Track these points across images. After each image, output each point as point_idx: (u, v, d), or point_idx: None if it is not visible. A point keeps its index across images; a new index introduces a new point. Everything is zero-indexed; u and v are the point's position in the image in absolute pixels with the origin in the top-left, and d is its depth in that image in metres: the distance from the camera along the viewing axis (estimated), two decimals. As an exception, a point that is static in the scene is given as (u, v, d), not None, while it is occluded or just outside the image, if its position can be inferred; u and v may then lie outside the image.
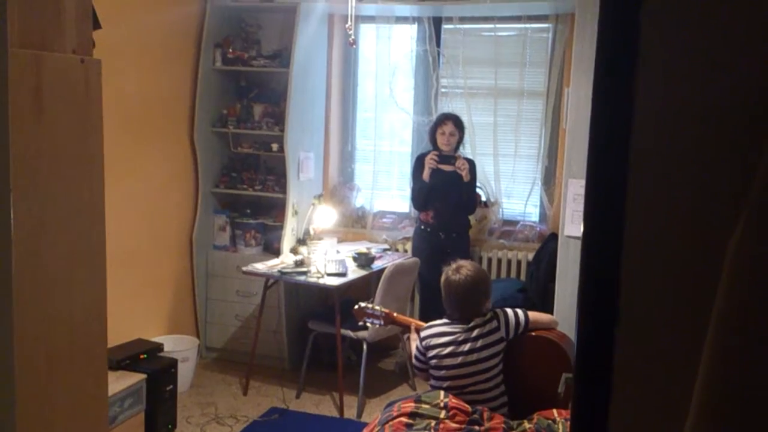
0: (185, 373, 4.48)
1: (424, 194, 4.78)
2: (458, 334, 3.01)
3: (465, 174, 4.70)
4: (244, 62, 5.14)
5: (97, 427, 1.99)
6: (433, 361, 3.02)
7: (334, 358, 4.65)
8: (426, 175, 4.74)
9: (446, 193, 4.73)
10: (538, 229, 5.11)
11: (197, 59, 5.02)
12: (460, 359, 2.97)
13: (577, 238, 4.29)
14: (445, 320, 3.11)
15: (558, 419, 2.79)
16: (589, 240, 0.88)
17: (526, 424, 2.81)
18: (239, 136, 5.24)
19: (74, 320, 1.84)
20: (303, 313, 4.95)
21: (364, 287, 4.99)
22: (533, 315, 3.14)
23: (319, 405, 4.52)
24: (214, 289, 5.20)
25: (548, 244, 4.86)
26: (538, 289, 4.69)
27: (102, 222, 1.92)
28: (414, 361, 3.17)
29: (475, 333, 3.00)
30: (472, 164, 4.82)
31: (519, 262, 5.03)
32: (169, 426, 4.10)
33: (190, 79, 5.02)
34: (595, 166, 0.87)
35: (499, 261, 5.06)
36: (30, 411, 1.54)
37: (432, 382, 3.07)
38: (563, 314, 4.11)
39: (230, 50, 5.13)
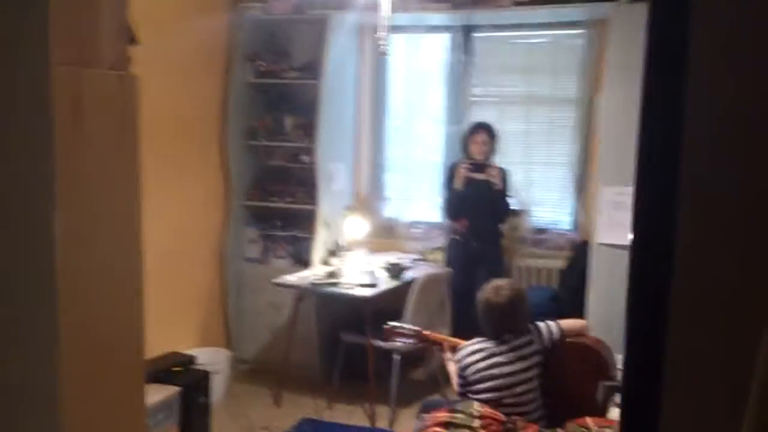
0: (218, 385, 4.50)
1: (456, 203, 4.77)
2: (493, 349, 2.99)
3: (498, 182, 4.68)
4: (276, 75, 5.18)
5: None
6: (471, 378, 3.00)
7: (365, 369, 4.64)
8: (459, 183, 4.73)
9: (479, 201, 4.72)
10: (569, 236, 5.06)
11: (228, 72, 5.06)
12: (496, 371, 2.95)
13: (609, 245, 4.26)
14: (478, 339, 3.09)
15: (592, 427, 2.75)
16: (638, 252, 0.86)
17: (559, 431, 2.78)
18: (270, 148, 5.28)
19: (114, 334, 1.86)
20: (335, 324, 4.95)
21: (395, 298, 4.97)
22: (565, 323, 3.11)
23: (351, 416, 4.51)
24: (245, 301, 5.22)
25: (580, 251, 4.81)
26: (569, 296, 4.64)
27: (139, 236, 1.94)
28: (456, 387, 3.15)
29: (509, 346, 2.98)
30: (505, 172, 4.80)
31: (550, 271, 4.98)
32: (204, 438, 4.11)
33: (221, 93, 5.07)
34: (645, 177, 0.86)
35: (531, 270, 5.02)
36: (73, 425, 1.55)
37: (470, 395, 3.05)
38: (596, 320, 4.07)
39: (262, 63, 5.17)
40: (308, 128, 5.10)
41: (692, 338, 0.85)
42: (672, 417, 0.84)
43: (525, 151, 5.15)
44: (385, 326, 3.56)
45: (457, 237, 4.83)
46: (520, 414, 2.90)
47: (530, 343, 3.00)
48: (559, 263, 4.95)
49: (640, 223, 0.87)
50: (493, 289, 3.05)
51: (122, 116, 1.84)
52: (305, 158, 5.12)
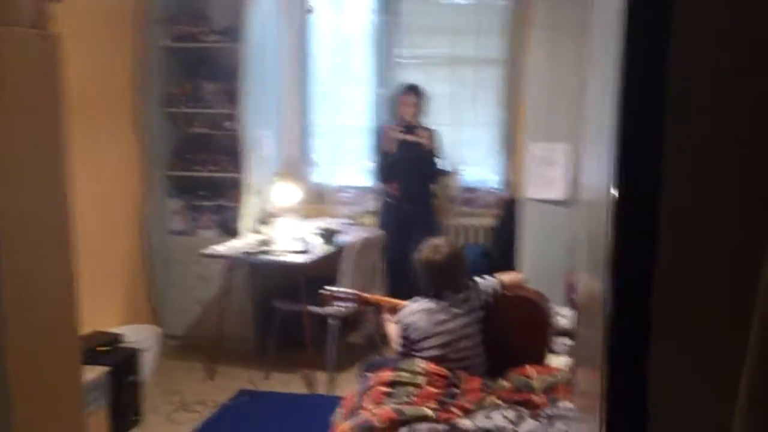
0: (147, 362, 4.35)
1: (387, 166, 4.74)
2: (434, 307, 2.98)
3: (428, 143, 4.68)
4: (194, 38, 4.98)
5: (75, 414, 1.91)
6: (414, 337, 2.99)
7: (301, 336, 4.59)
8: (389, 146, 4.70)
9: (410, 163, 4.70)
10: (498, 194, 5.11)
11: (143, 37, 4.83)
12: (438, 329, 2.94)
13: (538, 200, 4.31)
14: (418, 298, 3.07)
15: (533, 375, 2.80)
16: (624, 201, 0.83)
17: (502, 382, 2.81)
18: (190, 115, 5.08)
19: (47, 309, 1.74)
20: (268, 293, 4.86)
21: (328, 263, 4.92)
22: (503, 277, 3.13)
23: (289, 384, 4.45)
24: (171, 275, 5.06)
25: (510, 208, 4.87)
26: (501, 252, 4.70)
27: (66, 203, 1.82)
28: (396, 347, 3.12)
29: (449, 303, 2.98)
30: (434, 133, 4.80)
31: (481, 228, 5.03)
32: (135, 417, 3.98)
33: (136, 58, 4.83)
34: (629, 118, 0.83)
35: (462, 228, 5.06)
36: (20, 403, 1.46)
37: (414, 354, 3.03)
38: (528, 273, 4.13)
39: (179, 26, 4.96)
40: (231, 94, 4.93)
41: (679, 287, 0.82)
42: (660, 362, 0.82)
43: (452, 112, 5.14)
44: (322, 291, 3.50)
45: (390, 200, 4.81)
46: (463, 368, 2.91)
47: (470, 299, 3.00)
48: (489, 221, 5.00)
49: (625, 176, 0.84)
50: (431, 248, 3.03)
51: (45, 78, 1.71)
52: (229, 125, 4.97)
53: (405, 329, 3.02)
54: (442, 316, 2.95)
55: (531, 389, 2.68)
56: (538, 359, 2.97)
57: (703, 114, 0.77)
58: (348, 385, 4.32)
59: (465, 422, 2.43)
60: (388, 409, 2.58)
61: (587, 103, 1.51)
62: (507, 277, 3.13)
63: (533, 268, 4.21)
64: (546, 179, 4.28)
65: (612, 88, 0.89)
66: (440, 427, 2.44)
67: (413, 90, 4.71)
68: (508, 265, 4.58)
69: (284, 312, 4.55)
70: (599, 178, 1.10)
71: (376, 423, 2.51)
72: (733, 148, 0.76)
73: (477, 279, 3.08)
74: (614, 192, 0.84)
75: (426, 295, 3.04)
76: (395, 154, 4.70)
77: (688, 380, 0.79)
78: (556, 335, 3.13)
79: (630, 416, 0.83)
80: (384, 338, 4.74)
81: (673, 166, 0.80)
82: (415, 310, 3.01)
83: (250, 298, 4.82)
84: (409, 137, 4.69)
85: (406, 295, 3.87)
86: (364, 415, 2.58)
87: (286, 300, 4.53)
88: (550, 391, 2.66)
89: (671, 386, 0.80)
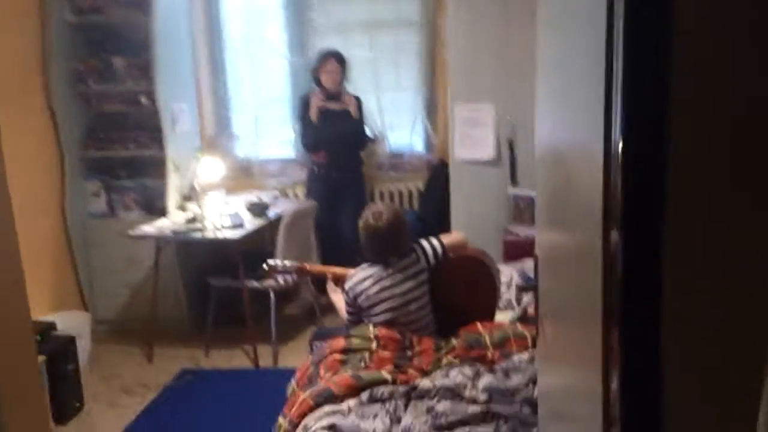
0: (82, 349, 4.22)
1: (313, 135, 4.70)
2: (381, 273, 3.00)
3: (354, 110, 4.66)
4: (98, 12, 4.76)
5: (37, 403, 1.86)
6: (364, 304, 3.01)
7: (239, 312, 4.54)
8: (314, 115, 4.66)
9: (336, 131, 4.68)
10: (425, 158, 5.16)
11: (42, 11, 4.57)
12: (387, 294, 2.97)
13: (467, 161, 4.39)
14: (364, 265, 3.09)
15: (483, 332, 2.87)
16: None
17: (453, 341, 2.87)
18: (102, 93, 4.88)
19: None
20: (200, 271, 4.78)
21: (262, 237, 4.88)
22: (447, 238, 3.18)
23: (231, 360, 4.42)
24: (96, 259, 4.90)
25: (438, 171, 4.93)
26: (433, 215, 4.76)
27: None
28: (345, 315, 3.13)
29: (395, 268, 3.00)
30: (358, 101, 4.79)
31: (411, 193, 5.08)
32: (77, 405, 3.88)
33: (38, 35, 4.57)
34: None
35: (392, 194, 5.09)
36: None
37: (365, 320, 3.06)
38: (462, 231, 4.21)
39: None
40: (143, 68, 4.76)
41: (692, 240, 0.84)
42: (674, 301, 0.84)
43: (373, 78, 5.13)
44: (265, 265, 3.47)
45: (317, 169, 4.78)
46: (414, 331, 2.96)
47: (416, 262, 3.04)
48: (418, 185, 5.05)
49: (631, 126, 0.85)
50: (372, 215, 3.04)
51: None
52: (144, 101, 4.80)
53: (354, 297, 3.03)
54: (389, 282, 2.98)
55: (483, 346, 2.75)
56: (487, 317, 3.05)
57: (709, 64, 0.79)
58: (291, 357, 4.33)
59: (424, 382, 2.48)
60: (345, 376, 2.60)
61: (544, 57, 1.54)
62: (451, 238, 3.18)
63: (467, 228, 4.28)
64: (474, 140, 4.36)
65: (599, 37, 0.90)
66: (400, 388, 2.48)
67: (334, 57, 4.67)
68: (442, 227, 4.65)
69: (219, 289, 4.49)
70: (581, 133, 1.12)
71: (335, 390, 2.52)
72: (740, 94, 0.78)
73: (423, 242, 3.11)
74: (619, 143, 0.85)
75: (372, 261, 3.05)
76: (321, 123, 4.67)
77: (706, 334, 0.81)
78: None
79: (645, 372, 0.84)
80: (323, 309, 4.78)
81: (678, 113, 0.81)
82: (363, 278, 3.02)
83: (181, 277, 4.73)
84: (333, 105, 4.67)
85: (339, 264, 3.89)
86: (322, 384, 2.60)
87: (221, 276, 4.46)
88: (502, 345, 2.74)
89: (687, 342, 0.82)
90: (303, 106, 4.77)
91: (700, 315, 0.80)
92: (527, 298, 3.33)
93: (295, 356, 4.34)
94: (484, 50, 4.22)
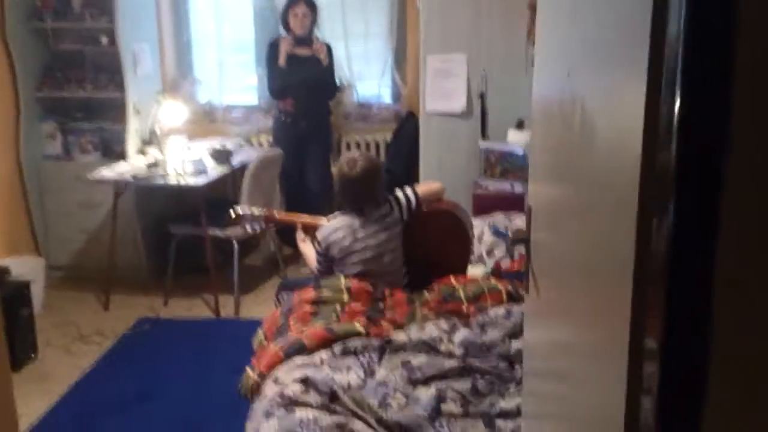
0: (35, 295, 4.09)
1: (281, 82, 4.56)
2: (355, 223, 2.93)
3: (324, 57, 4.53)
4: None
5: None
6: (337, 255, 2.94)
7: (199, 261, 4.45)
8: (282, 60, 4.51)
9: (305, 78, 4.55)
10: (393, 109, 5.07)
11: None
12: (360, 245, 2.90)
13: (438, 113, 4.31)
14: (338, 214, 3.01)
15: (457, 285, 2.84)
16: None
17: (427, 294, 2.83)
18: (60, 31, 4.65)
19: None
20: (160, 218, 4.65)
21: (224, 185, 4.76)
22: (422, 189, 3.12)
23: (191, 309, 4.33)
24: (51, 203, 4.72)
25: (407, 123, 4.85)
26: (402, 167, 4.70)
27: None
28: (316, 265, 3.06)
29: (370, 218, 2.94)
30: (328, 48, 4.65)
31: (378, 144, 4.99)
32: (32, 352, 3.77)
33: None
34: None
35: (359, 144, 5.00)
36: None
37: (337, 271, 2.99)
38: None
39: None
40: (103, 6, 4.54)
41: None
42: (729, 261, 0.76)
43: (341, 25, 4.98)
44: (232, 212, 3.37)
45: (284, 117, 4.65)
46: (386, 283, 2.91)
47: (390, 213, 2.98)
48: (386, 136, 4.96)
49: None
50: (347, 163, 2.95)
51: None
52: (104, 40, 4.59)
53: (326, 248, 2.96)
54: (363, 232, 2.92)
55: (458, 299, 2.72)
56: (459, 271, 3.01)
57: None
58: (253, 308, 4.26)
59: (399, 335, 2.44)
60: (317, 328, 2.54)
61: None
62: (426, 188, 3.12)
63: (438, 177, 4.24)
64: (445, 92, 4.28)
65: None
66: (374, 341, 2.44)
67: (304, 1, 4.50)
68: (410, 180, 4.59)
69: (180, 237, 4.37)
70: (610, 83, 1.05)
71: (307, 342, 2.47)
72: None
73: (397, 193, 3.05)
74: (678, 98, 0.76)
75: (346, 210, 2.98)
76: (289, 69, 4.53)
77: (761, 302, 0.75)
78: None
79: (689, 334, 0.77)
80: (286, 259, 4.70)
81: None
82: (337, 227, 2.95)
83: (140, 223, 4.59)
84: (301, 50, 4.53)
85: (302, 207, 3.83)
86: (293, 335, 2.54)
87: (182, 224, 4.34)
88: (477, 299, 2.71)
89: (739, 309, 0.76)
90: (271, 51, 4.61)
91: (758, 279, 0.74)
92: (499, 252, 3.31)
93: (258, 307, 4.27)
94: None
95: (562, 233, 1.35)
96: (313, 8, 4.54)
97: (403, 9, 4.93)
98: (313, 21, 4.57)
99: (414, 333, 2.47)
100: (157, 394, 3.41)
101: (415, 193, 3.05)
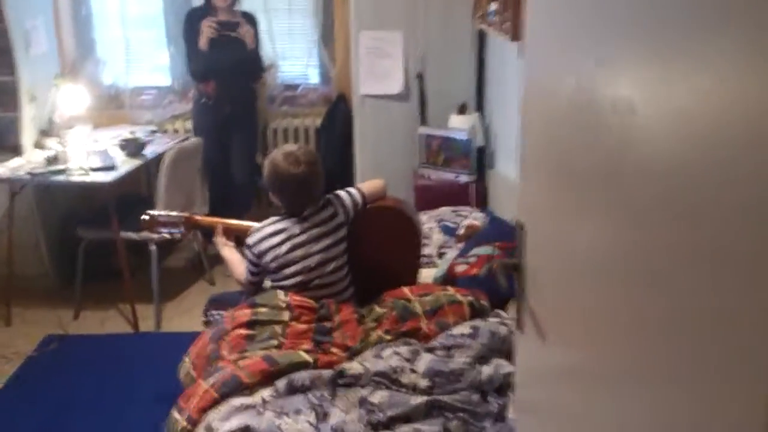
0: None
1: (202, 64, 4.09)
2: (293, 228, 2.56)
3: (251, 41, 4.09)
4: None
5: None
6: (272, 265, 2.56)
7: (111, 267, 3.98)
8: (203, 43, 4.03)
9: (228, 59, 4.08)
10: (321, 91, 4.67)
11: None
12: (300, 252, 2.54)
13: (372, 96, 3.96)
14: (271, 220, 2.62)
15: (412, 297, 2.51)
16: None
17: (378, 309, 2.49)
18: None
19: None
20: (65, 220, 4.14)
21: (137, 180, 4.28)
22: (366, 187, 2.77)
23: (104, 322, 3.85)
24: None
25: (338, 106, 4.47)
26: (335, 156, 4.32)
27: None
28: (245, 276, 2.67)
29: (311, 222, 2.57)
30: (253, 21, 4.20)
31: (306, 130, 4.60)
32: None
33: None
34: None
35: (286, 131, 4.59)
36: None
37: (274, 284, 2.62)
38: (367, 177, 3.82)
39: None
40: (-13, -23, 3.96)
41: None
42: None
43: (263, -1, 4.52)
44: (144, 217, 2.94)
45: (205, 100, 4.17)
46: (330, 295, 2.56)
47: (335, 215, 2.62)
48: (315, 121, 4.56)
49: None
50: (286, 159, 2.54)
51: None
52: (-11, 16, 4.01)
53: (259, 255, 2.58)
54: (304, 238, 2.55)
55: (415, 314, 2.40)
56: (410, 277, 2.69)
57: None
58: (176, 319, 3.84)
59: (353, 366, 2.09)
60: (255, 359, 2.17)
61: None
62: (371, 186, 2.77)
63: (373, 170, 3.89)
64: (380, 72, 3.92)
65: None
66: (324, 374, 2.09)
67: None
68: (345, 169, 4.24)
69: (89, 241, 3.88)
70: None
71: (245, 378, 2.10)
72: None
73: (340, 192, 2.68)
74: None
75: (285, 213, 2.60)
76: (210, 50, 4.06)
77: None
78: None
79: None
80: (211, 260, 4.27)
81: None
82: (271, 232, 2.57)
83: (42, 227, 4.07)
84: (229, 31, 4.05)
85: (231, 212, 3.42)
86: (227, 369, 2.16)
87: (90, 226, 3.85)
88: (436, 314, 2.39)
89: None
90: (190, 27, 4.11)
91: None
92: (451, 252, 3.00)
93: (181, 317, 3.85)
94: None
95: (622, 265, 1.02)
96: None
97: (328, -18, 4.52)
98: None
99: (370, 361, 2.13)
100: (67, 429, 2.97)
101: (361, 192, 2.70)
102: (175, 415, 2.12)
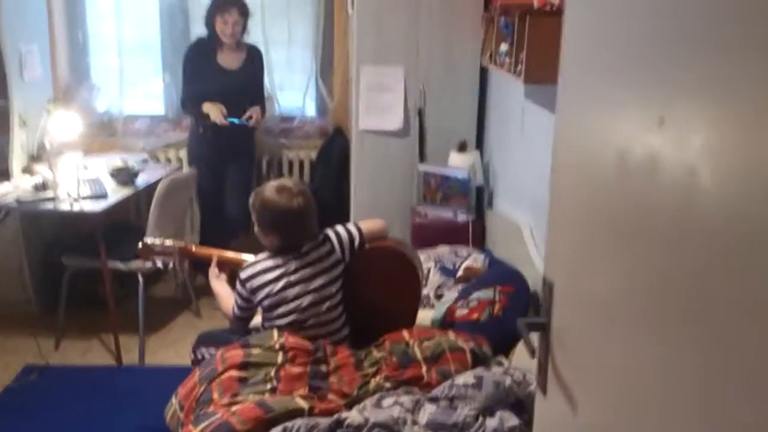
0: None
1: (201, 93, 4.00)
2: (289, 264, 2.48)
3: (258, 125, 4.06)
4: None
5: None
6: (266, 302, 2.47)
7: (95, 295, 3.87)
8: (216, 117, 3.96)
9: (228, 90, 4.01)
10: (318, 123, 4.62)
11: None
12: (296, 290, 2.45)
13: (371, 131, 3.90)
14: (266, 254, 2.54)
15: (411, 341, 2.43)
16: None
17: (376, 353, 2.41)
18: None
19: None
20: (49, 247, 4.03)
21: (126, 209, 4.19)
22: (365, 225, 2.70)
23: (86, 353, 3.73)
24: None
25: (334, 140, 4.42)
26: (330, 189, 4.26)
27: None
28: (234, 311, 2.58)
29: (307, 259, 2.49)
30: (259, 56, 4.17)
31: (302, 162, 4.53)
32: None
33: None
34: None
35: (281, 163, 4.52)
36: None
37: (266, 324, 2.53)
38: (362, 212, 3.76)
39: None
40: (-18, -1, 3.90)
41: None
42: None
43: (261, 29, 4.46)
44: (141, 244, 2.86)
45: (202, 130, 4.07)
46: (325, 336, 2.47)
47: (331, 253, 2.54)
48: (311, 154, 4.50)
49: None
50: (278, 192, 2.46)
51: None
52: (-17, 38, 3.94)
53: (252, 291, 2.49)
54: (298, 276, 2.46)
55: (415, 360, 2.31)
56: (409, 320, 2.61)
57: None
58: (161, 352, 3.73)
59: (353, 415, 2.00)
60: (249, 405, 2.08)
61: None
62: (370, 224, 2.70)
63: (369, 206, 3.83)
64: (380, 107, 3.87)
65: None
66: (321, 423, 1.99)
67: (236, 5, 3.95)
68: (340, 201, 4.17)
69: (74, 269, 3.77)
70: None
71: (238, 425, 2.00)
72: None
73: (338, 229, 2.61)
74: None
75: (278, 250, 2.52)
76: (210, 78, 4.00)
77: None
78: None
79: None
80: (198, 290, 4.17)
81: None
82: (265, 268, 2.48)
83: (27, 253, 3.96)
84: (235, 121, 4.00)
85: (222, 244, 3.33)
86: (218, 415, 2.06)
87: (76, 255, 3.75)
88: (437, 361, 2.31)
89: None
90: (191, 62, 4.06)
91: None
92: (450, 294, 2.92)
93: (166, 350, 3.74)
94: (393, 4, 3.72)
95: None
96: (245, 14, 4.01)
97: (330, 15, 4.48)
98: (244, 28, 4.05)
99: (369, 411, 2.04)
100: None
101: (359, 230, 2.63)
102: (162, 462, 2.01)
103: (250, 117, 4.02)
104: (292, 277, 2.47)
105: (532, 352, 1.23)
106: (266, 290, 2.47)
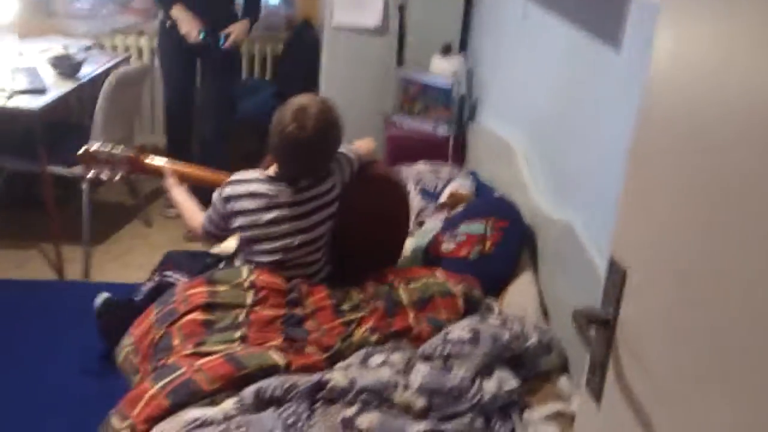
0: None
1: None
2: (281, 195, 2.14)
3: (236, 43, 3.51)
4: None
5: None
6: (247, 233, 2.15)
7: (33, 197, 3.50)
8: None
9: None
10: (284, 14, 4.16)
11: None
12: (285, 227, 2.14)
13: (346, 27, 3.51)
14: (258, 174, 2.19)
15: (395, 283, 2.18)
16: None
17: (357, 295, 2.15)
18: None
19: None
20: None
21: (68, 106, 3.74)
22: (359, 148, 2.39)
23: (24, 264, 3.37)
24: None
25: (301, 33, 4.00)
26: (296, 90, 3.85)
27: None
28: (207, 226, 2.24)
29: (306, 195, 2.16)
30: None
31: (265, 58, 4.11)
32: None
33: None
34: None
35: (241, 58, 4.07)
36: None
37: (244, 257, 2.22)
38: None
39: None
40: None
41: None
42: None
43: None
44: (80, 152, 2.49)
45: (170, 28, 3.49)
46: (303, 276, 2.19)
47: (332, 189, 2.21)
48: (276, 48, 4.07)
49: None
50: (294, 114, 2.06)
51: None
52: None
53: (229, 214, 2.15)
54: (292, 212, 2.13)
55: (401, 306, 2.06)
56: (394, 257, 2.35)
57: None
58: (108, 266, 3.41)
59: (336, 377, 1.74)
60: (218, 360, 1.81)
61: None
62: (363, 147, 2.38)
63: (340, 113, 3.48)
64: (357, 2, 3.46)
65: None
66: (300, 382, 1.74)
67: None
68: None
69: (10, 172, 3.37)
70: None
71: (205, 385, 1.74)
72: None
73: (340, 159, 2.26)
74: None
75: (275, 177, 2.17)
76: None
77: None
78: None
79: None
80: (149, 194, 3.82)
81: None
82: (255, 193, 2.14)
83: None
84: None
85: (188, 156, 2.96)
86: (182, 370, 1.79)
87: (12, 156, 3.33)
88: (425, 306, 2.07)
89: None
90: None
91: None
92: (432, 222, 2.65)
93: (113, 263, 3.42)
94: None
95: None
96: None
97: None
98: None
99: (355, 371, 1.79)
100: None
101: (357, 156, 2.31)
102: (115, 422, 1.75)
103: (229, 35, 3.47)
104: (285, 212, 2.14)
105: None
106: (249, 218, 2.14)
